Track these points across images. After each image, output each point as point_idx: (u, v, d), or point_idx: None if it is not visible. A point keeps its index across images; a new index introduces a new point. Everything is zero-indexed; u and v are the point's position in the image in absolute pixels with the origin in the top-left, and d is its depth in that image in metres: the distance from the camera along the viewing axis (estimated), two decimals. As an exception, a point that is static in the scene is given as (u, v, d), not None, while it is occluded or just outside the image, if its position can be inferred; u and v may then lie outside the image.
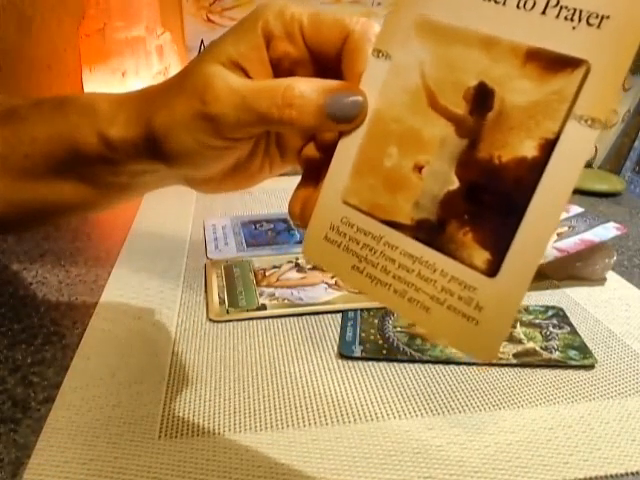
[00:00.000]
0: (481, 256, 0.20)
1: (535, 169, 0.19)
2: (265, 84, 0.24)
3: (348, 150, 0.24)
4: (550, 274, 0.48)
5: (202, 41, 0.84)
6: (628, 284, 0.48)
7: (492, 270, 0.20)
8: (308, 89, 0.23)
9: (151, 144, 0.26)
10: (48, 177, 0.30)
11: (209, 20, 0.83)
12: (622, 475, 0.28)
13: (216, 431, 0.31)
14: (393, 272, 0.22)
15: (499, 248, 0.20)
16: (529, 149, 0.19)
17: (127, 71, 0.74)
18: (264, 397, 0.33)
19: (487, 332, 0.20)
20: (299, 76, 0.25)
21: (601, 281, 0.48)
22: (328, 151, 0.25)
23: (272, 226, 0.58)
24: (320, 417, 0.32)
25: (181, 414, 0.32)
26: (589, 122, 0.18)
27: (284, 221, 0.59)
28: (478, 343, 0.20)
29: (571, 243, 0.46)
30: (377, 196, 0.23)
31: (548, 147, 0.19)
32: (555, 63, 0.19)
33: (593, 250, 0.47)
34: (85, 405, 0.32)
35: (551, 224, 0.19)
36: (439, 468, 0.28)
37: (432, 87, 0.22)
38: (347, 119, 0.23)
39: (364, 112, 0.23)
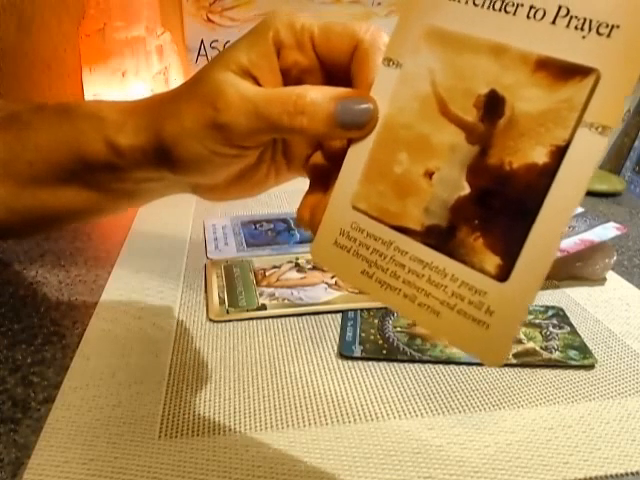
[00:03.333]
0: (492, 261, 0.20)
1: (546, 175, 0.19)
2: (276, 92, 0.24)
3: (358, 156, 0.24)
4: (550, 274, 0.47)
5: (202, 41, 0.84)
6: (628, 284, 0.48)
7: (503, 275, 0.20)
8: (319, 96, 0.23)
9: (160, 152, 0.26)
10: (51, 184, 0.30)
11: (209, 20, 0.83)
12: (622, 475, 0.28)
13: (216, 431, 0.31)
14: (403, 277, 0.22)
15: (510, 253, 0.20)
16: (540, 155, 0.20)
17: (127, 71, 0.74)
18: (264, 397, 0.33)
19: (497, 336, 0.20)
20: (309, 84, 0.25)
21: (601, 281, 0.48)
22: (336, 160, 0.25)
23: (272, 226, 0.58)
24: (320, 417, 0.32)
25: (181, 414, 0.32)
26: (599, 129, 0.18)
27: (284, 221, 0.59)
28: (488, 347, 0.20)
29: (571, 243, 0.46)
30: (387, 202, 0.23)
31: (559, 154, 0.19)
32: (565, 71, 0.19)
33: (593, 250, 0.47)
34: (85, 405, 0.32)
35: (561, 229, 0.19)
36: (439, 468, 0.28)
37: (443, 94, 0.22)
38: (358, 126, 0.23)
39: (374, 119, 0.23)
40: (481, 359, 0.21)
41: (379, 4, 0.85)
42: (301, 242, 0.55)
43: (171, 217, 0.61)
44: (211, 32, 0.84)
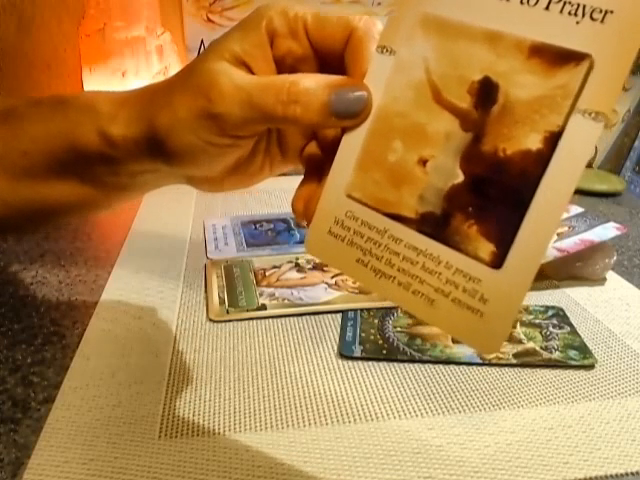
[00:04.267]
0: (486, 248, 0.20)
1: (540, 162, 0.19)
2: (270, 80, 0.24)
3: (352, 145, 0.24)
4: (550, 274, 0.48)
5: (202, 41, 0.84)
6: (628, 284, 0.48)
7: (497, 262, 0.20)
8: (313, 85, 0.23)
9: (153, 142, 0.26)
10: (47, 177, 0.30)
11: (209, 20, 0.83)
12: (622, 475, 0.28)
13: (216, 431, 0.31)
14: (397, 265, 0.22)
15: (504, 240, 0.20)
16: (534, 142, 0.20)
17: (127, 71, 0.74)
18: (264, 397, 0.33)
19: (492, 324, 0.20)
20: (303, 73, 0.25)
21: (601, 281, 0.48)
22: (330, 149, 0.25)
23: (272, 226, 0.58)
24: (320, 417, 0.32)
25: (181, 414, 0.32)
26: (593, 115, 0.18)
27: (284, 221, 0.59)
28: (482, 335, 0.20)
29: (571, 243, 0.46)
30: (381, 190, 0.23)
31: (552, 140, 0.19)
32: (559, 57, 0.19)
33: (593, 250, 0.47)
34: (85, 405, 0.32)
35: (555, 216, 0.19)
36: (439, 468, 0.28)
37: (437, 82, 0.22)
38: (352, 114, 0.23)
39: (369, 107, 0.23)
40: (475, 347, 0.21)
41: (379, 4, 0.85)
42: (301, 242, 0.55)
43: (171, 217, 0.61)
44: (211, 32, 0.84)
